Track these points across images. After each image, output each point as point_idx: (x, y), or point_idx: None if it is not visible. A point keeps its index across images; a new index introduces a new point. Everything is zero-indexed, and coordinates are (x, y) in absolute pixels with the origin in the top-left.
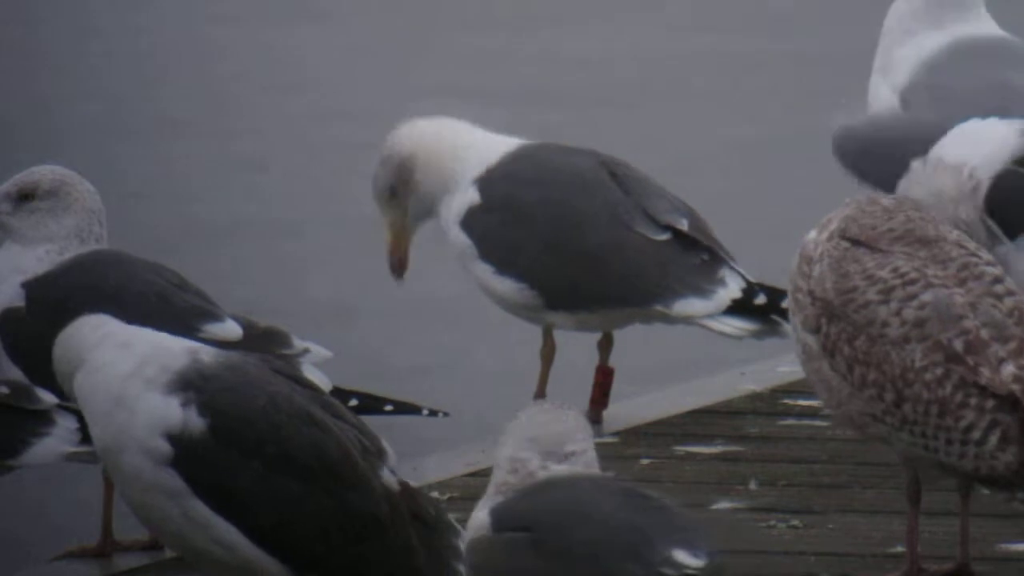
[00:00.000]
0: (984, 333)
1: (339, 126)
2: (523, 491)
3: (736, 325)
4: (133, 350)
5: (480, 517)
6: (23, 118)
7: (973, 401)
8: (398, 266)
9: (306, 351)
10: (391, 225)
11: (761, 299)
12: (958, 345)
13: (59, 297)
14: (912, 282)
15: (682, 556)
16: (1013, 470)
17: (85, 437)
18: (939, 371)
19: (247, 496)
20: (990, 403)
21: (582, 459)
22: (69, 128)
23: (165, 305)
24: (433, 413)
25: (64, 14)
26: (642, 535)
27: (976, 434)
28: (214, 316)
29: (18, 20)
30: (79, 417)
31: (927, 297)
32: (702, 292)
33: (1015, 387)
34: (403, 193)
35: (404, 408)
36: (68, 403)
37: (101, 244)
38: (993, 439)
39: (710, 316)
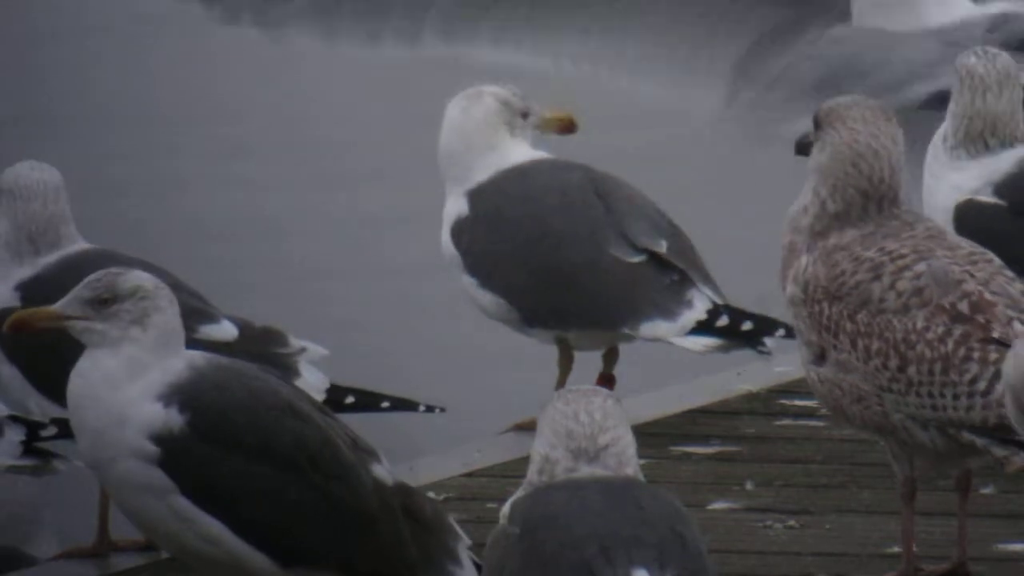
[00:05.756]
0: (990, 296)
1: None
2: (541, 487)
3: (701, 343)
4: (120, 352)
5: (506, 506)
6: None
7: (976, 354)
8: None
9: (303, 350)
10: None
11: (723, 321)
12: (963, 307)
13: (52, 298)
14: (901, 257)
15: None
16: None
17: (27, 450)
18: (940, 330)
19: (229, 489)
20: (994, 354)
21: (615, 449)
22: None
23: None
24: (430, 409)
25: None
26: (605, 552)
27: (982, 384)
28: (209, 317)
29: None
30: (29, 429)
31: (920, 268)
32: (668, 314)
33: None
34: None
35: (401, 404)
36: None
37: (38, 256)
38: (1000, 387)
39: (675, 336)
